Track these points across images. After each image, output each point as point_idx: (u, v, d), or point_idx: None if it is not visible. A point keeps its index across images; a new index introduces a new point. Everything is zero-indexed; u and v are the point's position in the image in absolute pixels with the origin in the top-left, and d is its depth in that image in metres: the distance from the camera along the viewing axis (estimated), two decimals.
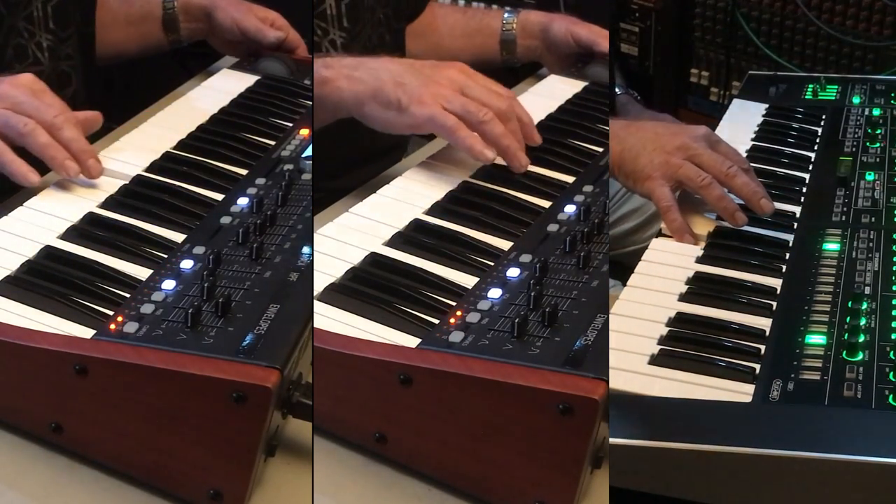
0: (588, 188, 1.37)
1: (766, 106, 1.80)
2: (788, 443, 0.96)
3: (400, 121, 1.38)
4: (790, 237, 1.36)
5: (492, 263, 1.21)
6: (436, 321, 1.10)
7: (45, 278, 1.13)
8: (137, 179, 1.36)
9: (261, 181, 1.37)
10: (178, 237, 1.24)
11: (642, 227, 1.85)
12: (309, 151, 1.43)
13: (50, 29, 1.53)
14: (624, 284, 1.26)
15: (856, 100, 1.80)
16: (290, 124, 1.53)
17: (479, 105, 1.37)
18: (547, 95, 1.69)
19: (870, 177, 1.51)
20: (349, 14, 1.66)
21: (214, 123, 1.54)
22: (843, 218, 1.40)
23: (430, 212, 1.32)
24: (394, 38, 1.75)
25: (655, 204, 1.39)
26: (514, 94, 1.45)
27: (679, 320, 1.18)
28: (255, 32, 1.69)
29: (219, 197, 1.33)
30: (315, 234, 1.23)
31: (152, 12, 1.73)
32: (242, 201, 1.31)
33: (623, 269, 1.33)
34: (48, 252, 1.19)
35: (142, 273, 1.16)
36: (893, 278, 1.24)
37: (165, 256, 1.19)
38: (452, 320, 1.10)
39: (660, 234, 1.37)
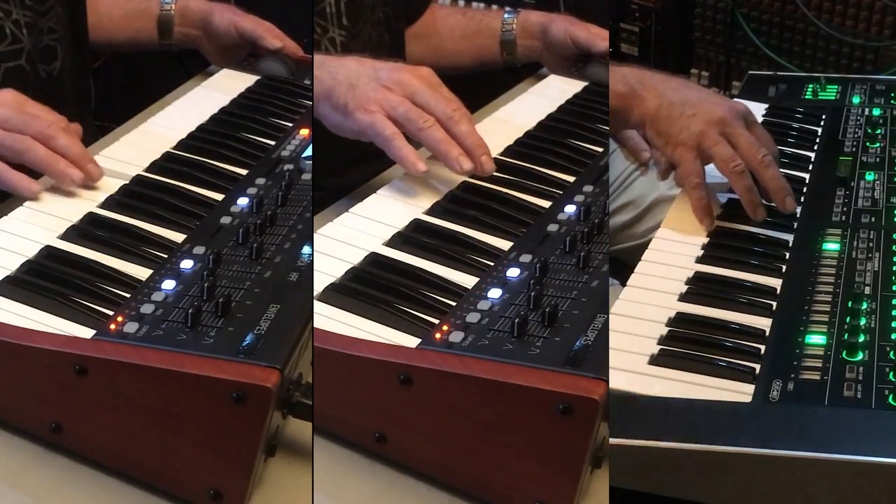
0: (588, 188, 1.37)
1: (766, 106, 1.79)
2: (788, 443, 0.96)
3: (345, 125, 1.36)
4: (790, 237, 1.36)
5: (492, 263, 1.21)
6: (436, 321, 1.10)
7: (45, 278, 1.13)
8: (137, 179, 1.36)
9: (261, 181, 1.37)
10: (178, 237, 1.24)
11: (638, 220, 1.84)
12: (309, 151, 1.43)
13: (26, 5, 1.52)
14: (624, 284, 1.26)
15: (856, 100, 1.80)
16: (290, 124, 1.53)
17: (420, 112, 1.33)
18: (547, 95, 1.69)
19: (870, 177, 1.51)
20: (349, 12, 1.66)
21: (214, 123, 1.54)
22: (843, 218, 1.40)
23: (430, 212, 1.32)
24: (393, 38, 1.75)
25: (682, 175, 1.36)
26: (467, 113, 1.39)
27: (679, 320, 1.18)
28: (251, 32, 1.69)
29: (219, 197, 1.33)
30: (315, 234, 1.23)
31: (150, 9, 1.73)
32: (242, 201, 1.31)
33: (622, 267, 1.33)
34: (48, 252, 1.19)
35: (142, 273, 1.16)
36: (893, 278, 1.24)
37: (165, 256, 1.19)
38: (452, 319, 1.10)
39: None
